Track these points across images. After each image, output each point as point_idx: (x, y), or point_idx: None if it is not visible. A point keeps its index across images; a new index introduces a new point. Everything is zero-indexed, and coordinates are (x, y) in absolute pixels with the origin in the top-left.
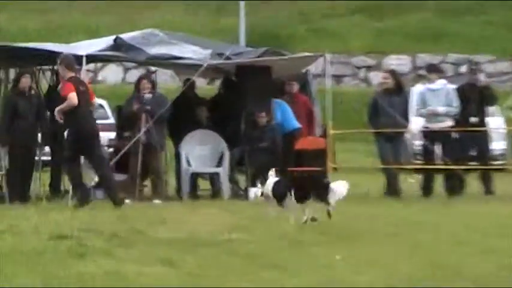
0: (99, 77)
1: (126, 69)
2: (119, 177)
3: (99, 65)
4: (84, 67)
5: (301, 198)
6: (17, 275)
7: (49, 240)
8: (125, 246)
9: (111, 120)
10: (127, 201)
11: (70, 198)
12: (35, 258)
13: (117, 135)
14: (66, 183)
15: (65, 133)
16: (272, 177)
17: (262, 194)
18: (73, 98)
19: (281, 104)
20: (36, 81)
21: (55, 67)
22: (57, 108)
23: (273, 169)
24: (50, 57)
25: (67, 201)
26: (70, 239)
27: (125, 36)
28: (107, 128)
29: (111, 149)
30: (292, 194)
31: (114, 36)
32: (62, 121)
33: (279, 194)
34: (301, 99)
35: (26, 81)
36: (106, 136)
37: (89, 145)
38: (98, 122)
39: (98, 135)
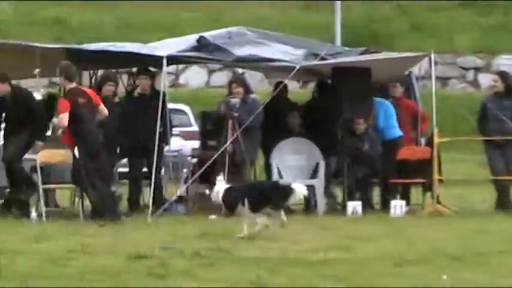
0: (181, 80)
1: (211, 72)
2: (203, 189)
3: (181, 67)
4: (165, 69)
5: (256, 207)
6: None
7: (127, 260)
8: (208, 266)
9: (195, 127)
10: (213, 217)
11: (149, 214)
12: (110, 279)
13: (201, 144)
14: (145, 198)
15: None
16: (222, 183)
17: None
18: (62, 119)
19: (384, 104)
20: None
21: (132, 69)
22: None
23: (221, 173)
24: (128, 59)
25: (146, 216)
26: (150, 259)
27: (209, 35)
28: (190, 136)
29: (194, 160)
30: (246, 202)
31: (197, 36)
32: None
33: (230, 203)
34: (405, 103)
35: (109, 89)
36: (189, 145)
37: (95, 158)
38: (180, 129)
39: (102, 148)
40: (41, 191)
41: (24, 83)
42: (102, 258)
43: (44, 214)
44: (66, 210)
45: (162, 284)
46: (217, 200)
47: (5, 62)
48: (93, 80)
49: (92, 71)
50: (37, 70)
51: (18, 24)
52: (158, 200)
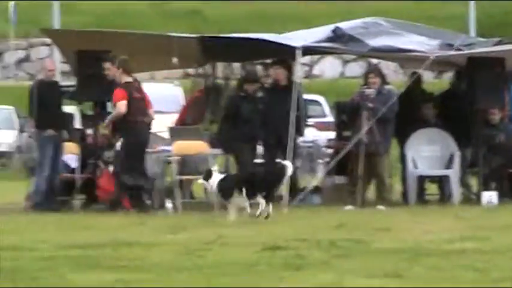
0: (315, 71)
1: (345, 62)
2: (339, 180)
3: (315, 57)
4: (299, 60)
5: (252, 195)
6: (227, 286)
7: (263, 251)
8: (344, 257)
9: (329, 118)
10: (348, 207)
11: (285, 205)
12: (246, 270)
13: (336, 135)
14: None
15: (118, 143)
16: (217, 174)
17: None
18: (121, 106)
19: None
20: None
21: (267, 61)
22: (107, 118)
23: (216, 165)
24: (262, 50)
25: (282, 207)
26: (285, 250)
27: (345, 25)
28: (325, 126)
29: (329, 150)
30: (244, 190)
31: (332, 26)
32: (111, 132)
33: (225, 191)
34: None
35: (251, 88)
36: (324, 136)
37: (137, 156)
38: (315, 120)
39: (144, 150)
40: (176, 182)
41: (159, 74)
42: (237, 249)
43: (179, 205)
44: (202, 201)
45: (298, 275)
46: (212, 191)
47: (142, 53)
48: (228, 71)
49: (226, 64)
50: (175, 59)
51: (154, 16)
52: (294, 191)
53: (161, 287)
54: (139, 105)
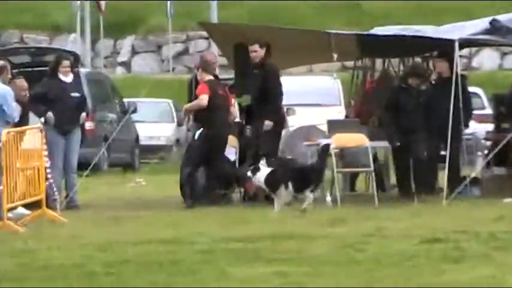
0: (474, 63)
1: (504, 55)
2: (500, 171)
3: (474, 50)
4: (457, 53)
5: (299, 189)
6: (382, 279)
7: (421, 244)
8: (504, 250)
9: (488, 110)
10: (508, 200)
11: (444, 198)
12: (403, 262)
13: (495, 126)
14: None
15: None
16: (264, 167)
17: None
18: (203, 99)
19: None
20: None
21: (425, 54)
22: (186, 106)
23: (264, 158)
24: (419, 44)
25: (441, 199)
26: (444, 242)
27: (503, 18)
28: (483, 119)
29: (488, 142)
30: (290, 184)
31: (489, 18)
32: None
33: (273, 184)
34: None
35: (414, 82)
36: (482, 128)
37: (215, 152)
38: (474, 112)
39: (225, 144)
40: (335, 175)
41: (317, 67)
42: (396, 242)
43: (338, 198)
44: (361, 194)
45: (457, 267)
46: (260, 183)
47: (300, 48)
48: (386, 67)
49: (385, 59)
50: (335, 56)
51: (310, 9)
52: (453, 182)
53: (319, 280)
54: (221, 101)
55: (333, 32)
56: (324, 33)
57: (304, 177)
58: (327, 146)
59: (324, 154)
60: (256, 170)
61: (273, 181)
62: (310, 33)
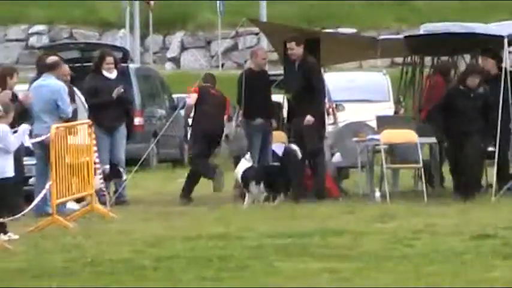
0: None
1: None
2: None
3: None
4: (506, 49)
5: (270, 187)
6: (431, 275)
7: (470, 240)
8: None
9: None
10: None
11: (493, 194)
12: (452, 258)
13: None
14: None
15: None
16: (246, 162)
17: None
18: (191, 98)
19: None
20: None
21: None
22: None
23: (248, 153)
24: (467, 41)
25: (490, 196)
26: (493, 239)
27: None
28: None
29: None
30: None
31: None
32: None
33: (246, 180)
34: None
35: (473, 80)
36: None
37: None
38: None
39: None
40: (384, 171)
41: (366, 63)
42: (446, 238)
43: (388, 194)
44: (411, 190)
45: (506, 264)
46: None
47: (348, 45)
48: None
49: (434, 58)
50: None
51: (363, 6)
52: (503, 179)
53: (368, 275)
54: (212, 99)
55: (381, 37)
56: (371, 38)
57: (272, 178)
58: (288, 148)
59: (286, 157)
60: (237, 163)
61: (247, 177)
62: (358, 38)
